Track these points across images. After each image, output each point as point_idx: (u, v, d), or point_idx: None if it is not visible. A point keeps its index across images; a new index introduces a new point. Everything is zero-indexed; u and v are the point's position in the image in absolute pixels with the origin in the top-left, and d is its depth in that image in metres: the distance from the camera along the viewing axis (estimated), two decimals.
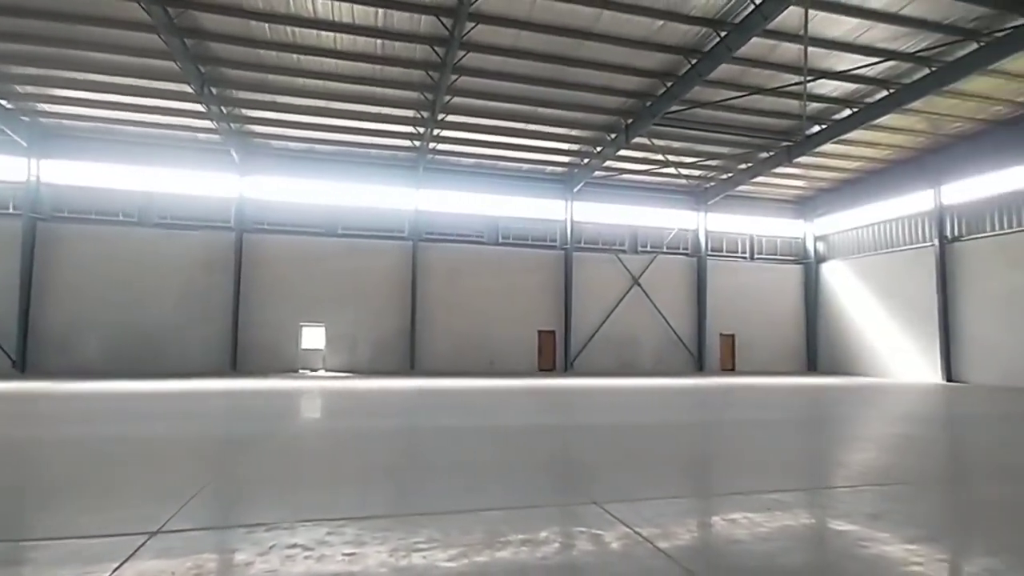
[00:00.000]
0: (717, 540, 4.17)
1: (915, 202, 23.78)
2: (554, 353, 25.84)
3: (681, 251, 27.84)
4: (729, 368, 27.67)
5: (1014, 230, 19.98)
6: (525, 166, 24.67)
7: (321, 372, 22.77)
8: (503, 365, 24.92)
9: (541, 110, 19.28)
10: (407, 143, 22.04)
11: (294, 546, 3.74)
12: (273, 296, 23.06)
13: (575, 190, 25.77)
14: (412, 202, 24.78)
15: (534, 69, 16.80)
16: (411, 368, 23.74)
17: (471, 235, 25.46)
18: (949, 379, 21.83)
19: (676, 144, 21.99)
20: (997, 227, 20.57)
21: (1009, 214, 20.21)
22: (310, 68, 16.78)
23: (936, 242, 22.54)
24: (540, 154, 23.26)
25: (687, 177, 25.43)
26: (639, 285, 26.90)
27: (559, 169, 25.00)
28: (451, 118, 19.90)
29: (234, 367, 22.15)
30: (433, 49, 15.63)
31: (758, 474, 6.24)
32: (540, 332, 25.74)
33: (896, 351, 24.32)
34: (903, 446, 8.35)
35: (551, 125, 20.48)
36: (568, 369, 25.54)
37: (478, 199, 25.72)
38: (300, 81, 17.48)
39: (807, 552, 3.93)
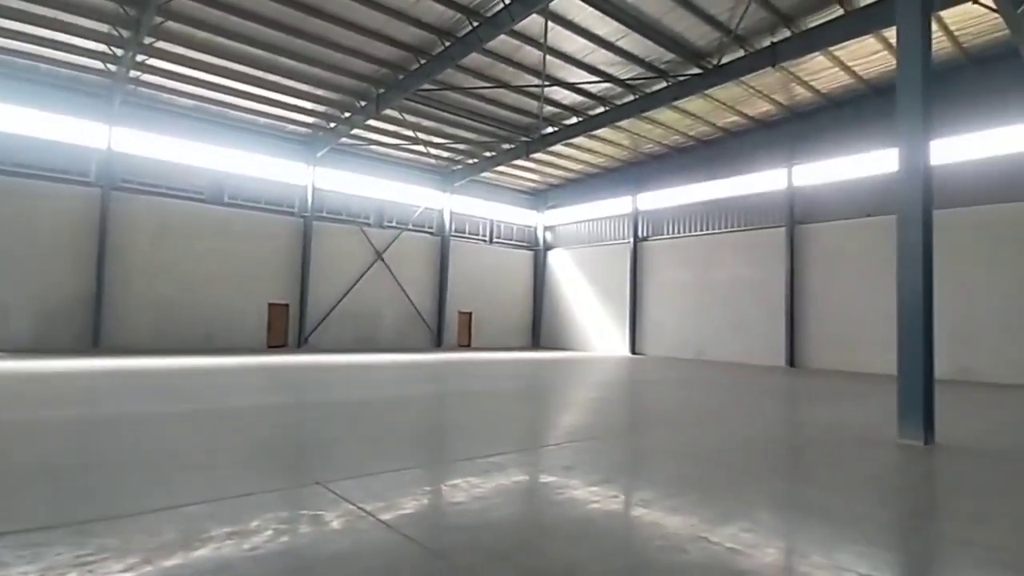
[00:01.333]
0: (438, 505, 4.45)
1: (620, 205, 28.95)
2: (287, 328, 24.11)
3: (427, 229, 28.70)
4: (465, 344, 29.76)
5: (682, 235, 25.97)
6: (262, 120, 22.21)
7: None
8: (224, 341, 22.26)
9: (282, 60, 17.51)
10: (98, 64, 17.69)
11: None
12: None
13: (319, 155, 24.28)
14: (104, 139, 20.09)
15: (275, 12, 15.15)
16: (94, 345, 19.45)
17: (188, 190, 21.88)
18: (634, 352, 27.34)
19: (427, 123, 22.44)
20: (672, 232, 26.45)
21: (680, 222, 26.15)
22: None
23: (631, 240, 27.94)
24: (280, 109, 21.18)
25: (436, 157, 26.23)
26: (383, 260, 26.86)
27: (302, 130, 23.20)
28: (165, 46, 16.65)
29: None
30: None
31: (482, 441, 6.85)
32: (272, 305, 23.71)
33: (600, 329, 29.40)
34: (596, 407, 10.14)
35: (293, 79, 18.76)
36: (302, 345, 24.16)
37: (199, 149, 22.23)
38: None
39: (514, 504, 4.47)
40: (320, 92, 19.87)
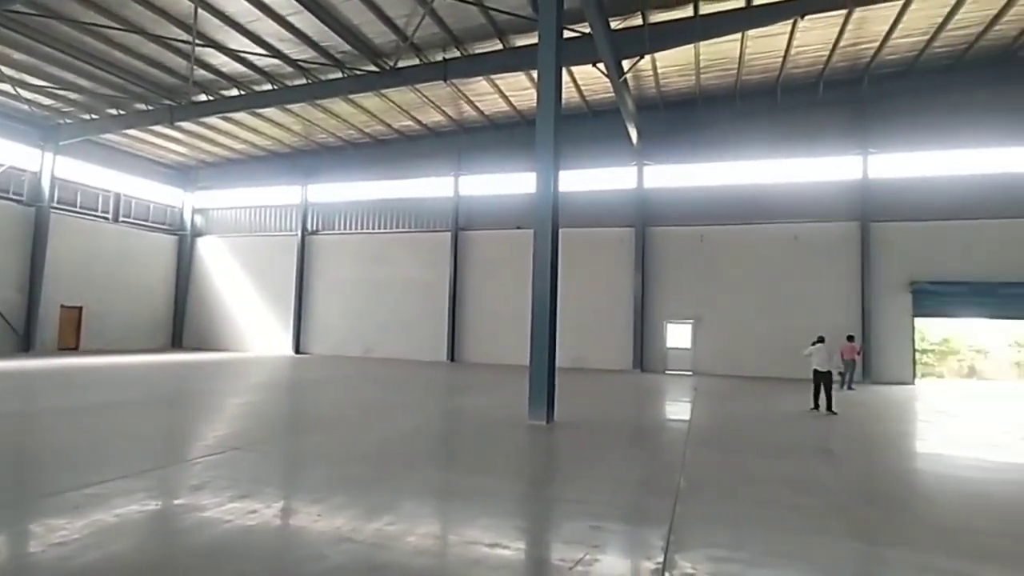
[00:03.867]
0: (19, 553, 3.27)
1: (288, 194, 27.25)
2: None
3: (14, 195, 21.78)
4: (72, 347, 23.62)
5: (354, 232, 25.98)
6: None
7: None
8: None
9: None
10: None
11: None
12: None
13: None
14: None
15: None
16: None
17: None
18: (298, 351, 26.05)
19: (19, 56, 17.03)
20: (343, 227, 26.22)
21: (352, 218, 26.14)
22: None
23: (299, 232, 26.61)
24: None
25: (31, 103, 20.15)
26: None
27: None
28: None
29: None
30: None
31: (78, 469, 5.42)
32: None
33: (261, 327, 27.05)
34: (244, 413, 9.21)
35: None
36: None
37: None
38: None
39: (117, 544, 3.62)
40: None
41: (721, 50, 17.21)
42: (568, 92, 19.24)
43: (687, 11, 14.75)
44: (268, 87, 19.25)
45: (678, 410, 11.24)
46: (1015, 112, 17.81)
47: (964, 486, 6.12)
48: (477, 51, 16.84)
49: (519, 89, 19.38)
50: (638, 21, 15.11)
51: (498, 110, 21.31)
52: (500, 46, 16.45)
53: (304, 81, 18.79)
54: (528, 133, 21.58)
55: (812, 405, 11.30)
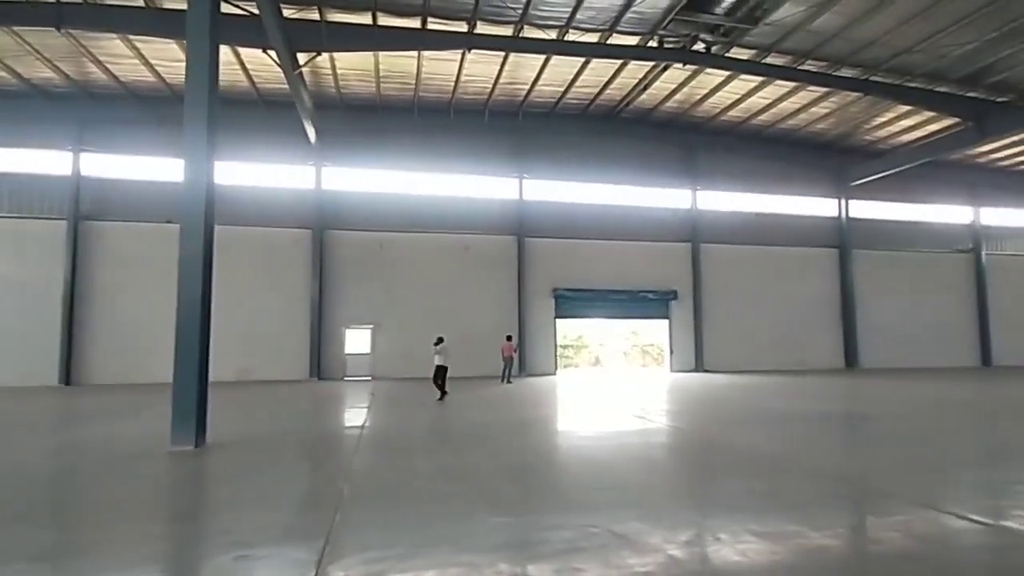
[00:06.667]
0: None
1: None
2: None
3: None
4: None
5: None
6: None
7: None
8: None
9: None
10: None
11: None
12: None
13: None
14: None
15: None
16: None
17: None
18: None
19: None
20: None
21: None
22: None
23: None
24: None
25: None
26: None
27: None
28: None
29: None
30: None
31: None
32: None
33: None
34: None
35: None
36: None
37: None
38: None
39: None
40: None
41: (400, 63, 18.03)
42: (235, 75, 17.61)
43: (366, 18, 15.00)
44: None
45: (353, 417, 11.19)
46: (621, 159, 23.29)
47: (582, 452, 7.60)
48: (109, 1, 14.00)
49: (171, 60, 16.79)
50: (315, 15, 14.72)
51: (140, 79, 18.12)
52: (141, 2, 13.99)
53: None
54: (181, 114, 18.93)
55: (440, 396, 13.08)
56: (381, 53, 17.00)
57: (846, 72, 18.41)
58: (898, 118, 21.96)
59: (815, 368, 24.43)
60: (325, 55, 16.42)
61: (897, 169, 23.05)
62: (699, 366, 23.41)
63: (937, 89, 19.19)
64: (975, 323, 26.96)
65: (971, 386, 17.17)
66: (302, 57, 15.44)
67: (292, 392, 16.07)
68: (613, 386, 17.70)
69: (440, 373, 13.30)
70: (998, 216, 27.82)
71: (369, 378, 20.27)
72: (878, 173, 23.60)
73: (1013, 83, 18.94)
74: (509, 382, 18.43)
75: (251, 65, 17.44)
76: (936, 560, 3.75)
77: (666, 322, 23.72)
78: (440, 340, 13.76)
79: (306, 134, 18.75)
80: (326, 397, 15.02)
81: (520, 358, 21.37)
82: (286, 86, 16.37)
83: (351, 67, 18.15)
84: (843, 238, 25.58)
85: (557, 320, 22.74)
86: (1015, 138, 22.24)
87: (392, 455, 7.33)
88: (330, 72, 18.22)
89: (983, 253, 27.25)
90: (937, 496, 5.19)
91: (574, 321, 23.95)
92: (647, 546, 3.96)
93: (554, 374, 22.21)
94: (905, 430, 9.23)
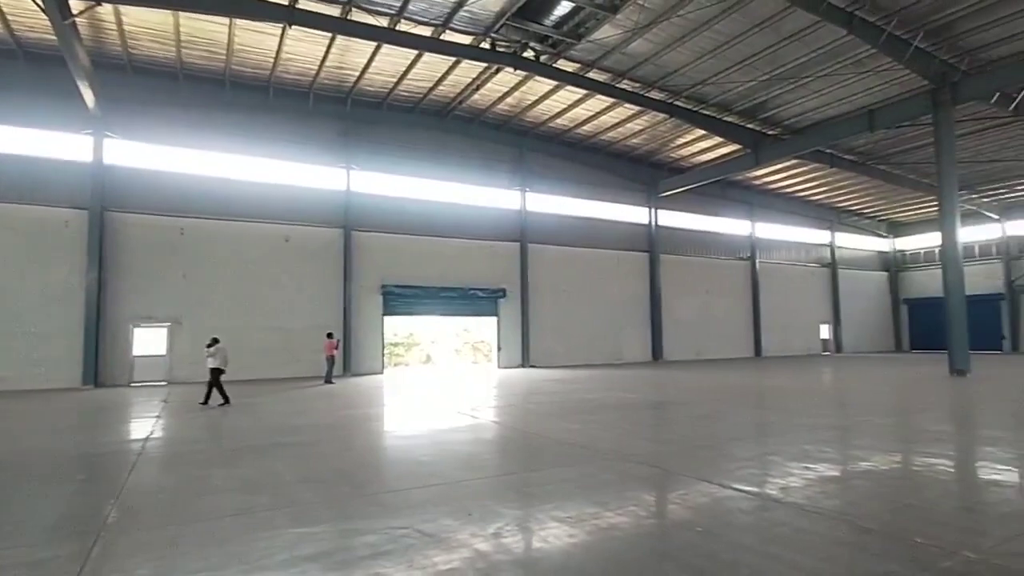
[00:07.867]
0: None
1: None
2: None
3: None
4: None
5: None
6: None
7: None
8: None
9: None
10: None
11: None
12: None
13: None
14: None
15: None
16: None
17: None
18: None
19: None
20: None
21: None
22: None
23: None
24: None
25: None
26: None
27: None
28: None
29: None
30: None
31: None
32: None
33: None
34: None
35: None
36: None
37: None
38: None
39: None
40: None
41: (206, 29, 16.25)
42: None
43: None
44: None
45: (135, 429, 9.78)
46: (453, 156, 23.41)
47: (396, 453, 7.43)
48: None
49: None
50: None
51: None
52: None
53: None
54: None
55: (222, 401, 12.27)
56: (181, 14, 15.13)
57: (655, 94, 20.55)
58: (697, 140, 25.05)
59: (628, 361, 26.90)
60: (108, 6, 14.17)
61: (696, 184, 26.31)
62: (525, 362, 24.43)
63: (725, 118, 22.30)
64: (751, 320, 31.86)
65: (745, 374, 20.14)
66: (77, 5, 13.14)
67: (57, 403, 13.58)
68: (436, 383, 17.72)
69: (215, 376, 12.51)
70: (768, 230, 33.27)
71: (164, 384, 17.92)
72: (681, 187, 26.70)
73: (780, 119, 22.71)
74: (331, 382, 17.56)
75: (8, 7, 14.46)
76: (706, 525, 4.27)
77: (495, 319, 24.39)
78: (215, 341, 12.88)
79: (82, 97, 15.98)
80: (103, 407, 12.95)
81: (344, 357, 20.48)
82: (55, 37, 13.74)
83: (142, 25, 15.88)
84: (652, 243, 28.50)
85: (385, 317, 22.18)
86: (780, 165, 26.62)
87: (181, 469, 6.51)
88: (115, 27, 15.77)
89: (757, 261, 32.31)
90: (710, 470, 5.94)
91: (404, 319, 23.59)
92: (454, 542, 3.95)
93: (381, 373, 21.65)
94: (692, 413, 10.50)
